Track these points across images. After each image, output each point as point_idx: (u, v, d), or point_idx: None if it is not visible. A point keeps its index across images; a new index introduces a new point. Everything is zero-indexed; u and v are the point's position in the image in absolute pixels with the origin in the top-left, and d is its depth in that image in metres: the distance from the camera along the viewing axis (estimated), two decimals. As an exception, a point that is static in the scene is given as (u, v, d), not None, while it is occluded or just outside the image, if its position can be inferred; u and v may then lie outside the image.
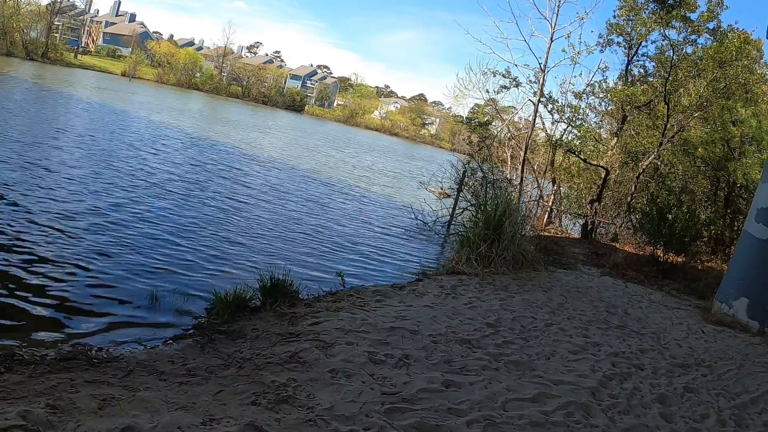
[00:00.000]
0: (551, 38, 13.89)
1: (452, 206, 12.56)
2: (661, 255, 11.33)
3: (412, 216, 12.58)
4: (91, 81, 40.06)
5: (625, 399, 4.34)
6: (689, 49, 13.64)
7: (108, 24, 77.88)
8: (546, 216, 15.56)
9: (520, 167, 14.84)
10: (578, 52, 14.40)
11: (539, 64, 14.16)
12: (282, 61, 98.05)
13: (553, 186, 16.04)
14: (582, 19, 13.98)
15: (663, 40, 13.79)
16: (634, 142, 15.10)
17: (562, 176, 15.82)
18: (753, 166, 11.95)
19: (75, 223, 7.21)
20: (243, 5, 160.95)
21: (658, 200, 12.62)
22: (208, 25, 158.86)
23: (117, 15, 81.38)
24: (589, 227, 14.52)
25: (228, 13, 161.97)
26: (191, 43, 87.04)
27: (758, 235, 7.96)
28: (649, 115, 14.82)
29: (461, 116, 20.74)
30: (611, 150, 14.95)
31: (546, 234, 13.77)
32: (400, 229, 12.27)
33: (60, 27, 58.92)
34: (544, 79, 14.20)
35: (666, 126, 13.76)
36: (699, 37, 13.48)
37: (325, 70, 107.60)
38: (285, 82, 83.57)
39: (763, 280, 7.77)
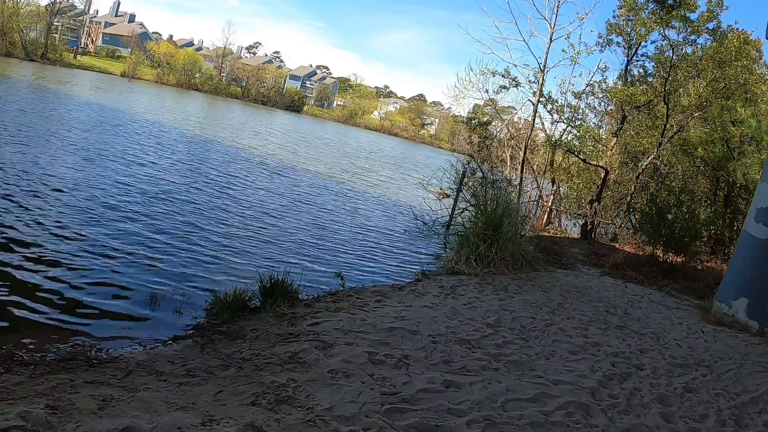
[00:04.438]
0: (551, 38, 13.90)
1: (452, 206, 12.56)
2: (661, 255, 11.34)
3: (412, 216, 12.59)
4: (91, 82, 40.04)
5: (625, 399, 4.34)
6: (689, 49, 13.64)
7: (107, 24, 77.82)
8: (545, 216, 15.55)
9: (519, 167, 14.84)
10: (578, 52, 14.40)
11: (539, 64, 14.17)
12: (281, 61, 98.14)
13: (553, 186, 16.04)
14: (582, 19, 13.99)
15: (663, 40, 13.80)
16: (634, 142, 15.10)
17: (562, 176, 15.82)
18: (752, 166, 11.95)
19: (74, 223, 7.21)
20: (239, 4, 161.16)
21: (658, 200, 12.62)
22: (207, 25, 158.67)
23: (116, 15, 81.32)
24: (589, 227, 14.52)
25: (226, 12, 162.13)
26: (191, 44, 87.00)
27: (758, 234, 7.96)
28: (648, 115, 14.81)
29: (461, 116, 20.70)
30: (611, 150, 14.95)
31: (546, 234, 13.76)
32: (400, 229, 12.28)
33: (59, 27, 58.84)
34: (543, 79, 14.21)
35: (665, 126, 13.76)
36: (699, 37, 13.48)
37: (324, 70, 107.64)
38: (284, 83, 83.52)
39: (763, 280, 7.77)
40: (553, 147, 15.17)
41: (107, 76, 53.80)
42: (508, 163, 15.70)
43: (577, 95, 15.54)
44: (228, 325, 4.87)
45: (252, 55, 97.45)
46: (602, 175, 14.44)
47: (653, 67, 14.69)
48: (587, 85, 15.53)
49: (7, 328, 4.26)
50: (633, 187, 14.45)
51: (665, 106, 13.59)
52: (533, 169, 16.46)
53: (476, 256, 8.32)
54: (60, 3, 57.19)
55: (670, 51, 13.48)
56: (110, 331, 4.62)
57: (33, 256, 5.79)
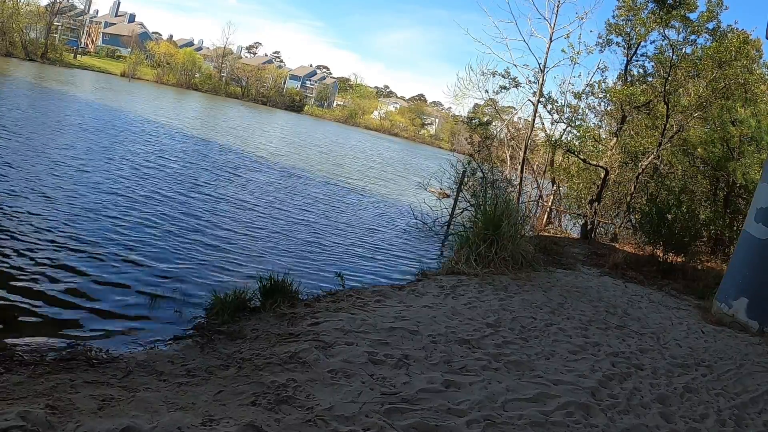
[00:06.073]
0: (550, 38, 13.91)
1: (452, 206, 12.56)
2: (661, 255, 11.33)
3: (412, 216, 12.59)
4: (91, 82, 40.03)
5: (625, 399, 4.34)
6: (689, 49, 13.64)
7: (107, 24, 77.79)
8: (545, 216, 15.56)
9: (519, 167, 14.84)
10: (577, 52, 14.42)
11: (539, 64, 14.17)
12: (281, 61, 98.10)
13: (553, 186, 16.04)
14: (581, 19, 14.00)
15: (662, 40, 13.80)
16: (634, 142, 15.11)
17: (562, 176, 15.82)
18: (752, 166, 11.95)
19: (74, 224, 7.21)
20: (238, 4, 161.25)
21: (658, 200, 12.62)
22: (207, 25, 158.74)
23: (116, 15, 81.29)
24: (589, 227, 14.52)
25: (225, 12, 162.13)
26: (191, 44, 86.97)
27: (758, 234, 7.96)
28: (648, 115, 14.81)
29: (461, 116, 20.78)
30: (611, 150, 14.95)
31: (545, 234, 13.77)
32: (400, 229, 12.28)
33: (59, 27, 58.81)
34: (543, 79, 14.21)
35: (665, 126, 13.76)
36: (698, 37, 13.48)
37: (324, 70, 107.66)
38: (284, 83, 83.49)
39: (763, 280, 7.77)
40: (553, 147, 15.17)
41: (107, 75, 53.78)
42: (508, 163, 15.70)
43: (577, 95, 15.56)
44: (228, 325, 4.87)
45: (252, 55, 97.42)
46: (602, 175, 14.44)
47: (653, 67, 14.71)
48: (587, 85, 15.56)
49: (7, 328, 4.26)
50: (633, 187, 14.44)
51: (665, 106, 13.58)
52: (533, 169, 16.46)
53: (476, 256, 8.32)
54: (60, 3, 57.19)
55: (670, 51, 13.48)
56: (110, 331, 4.62)
57: (32, 257, 5.78)
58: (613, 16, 14.33)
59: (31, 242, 6.15)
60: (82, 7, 67.62)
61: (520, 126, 17.36)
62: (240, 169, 15.66)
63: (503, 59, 21.15)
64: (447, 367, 4.33)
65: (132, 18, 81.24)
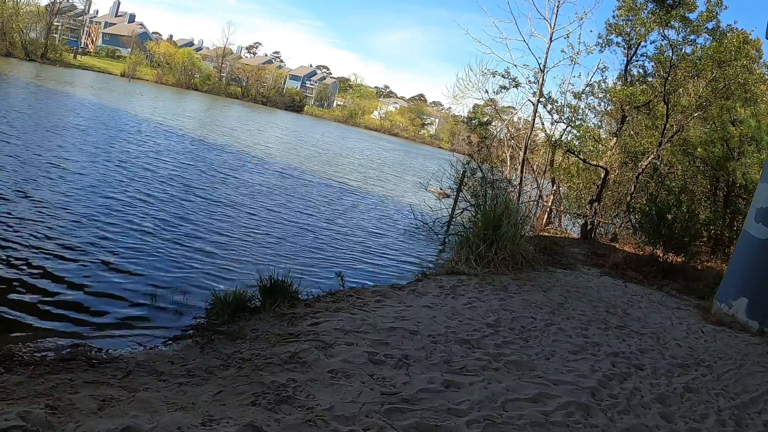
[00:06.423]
0: (550, 38, 13.90)
1: (452, 206, 12.56)
2: (661, 255, 11.33)
3: (412, 216, 12.60)
4: (90, 82, 40.02)
5: (625, 399, 4.34)
6: (688, 49, 13.64)
7: (107, 24, 77.78)
8: (545, 216, 15.56)
9: (519, 167, 14.84)
10: (577, 53, 14.41)
11: (538, 64, 14.16)
12: (281, 61, 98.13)
13: (553, 186, 16.04)
14: (581, 19, 13.98)
15: (662, 40, 13.81)
16: (634, 142, 15.11)
17: (562, 176, 15.82)
18: (752, 166, 11.95)
19: (74, 225, 7.21)
20: (238, 4, 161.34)
21: (658, 200, 12.63)
22: (207, 25, 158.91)
23: (116, 15, 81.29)
24: (589, 227, 14.52)
25: (225, 12, 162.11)
26: (191, 44, 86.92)
27: (757, 234, 7.96)
28: (648, 115, 14.82)
29: (461, 116, 20.81)
30: (610, 150, 14.95)
31: (545, 234, 13.77)
32: (400, 229, 12.28)
33: (59, 27, 58.80)
34: (543, 80, 14.20)
35: (665, 126, 13.76)
36: (698, 37, 13.49)
37: (324, 70, 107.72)
38: (284, 83, 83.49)
39: (763, 280, 7.76)
40: (553, 147, 15.17)
41: (107, 76, 53.75)
42: (508, 163, 15.70)
43: (577, 95, 15.54)
44: (228, 325, 4.87)
45: (252, 55, 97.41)
46: (602, 175, 14.44)
47: (653, 67, 14.70)
48: (587, 85, 15.54)
49: (7, 328, 4.26)
50: (633, 187, 14.44)
51: (665, 106, 13.59)
52: (533, 169, 16.45)
53: (476, 256, 8.32)
54: (60, 3, 57.18)
55: (670, 51, 13.48)
56: (110, 331, 4.62)
57: (32, 257, 5.78)
58: (613, 16, 14.36)
59: (30, 245, 6.15)
60: (82, 7, 67.64)
61: (520, 126, 17.35)
62: (238, 171, 15.66)
63: (503, 59, 21.14)
64: (447, 367, 4.33)
65: (132, 18, 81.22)
